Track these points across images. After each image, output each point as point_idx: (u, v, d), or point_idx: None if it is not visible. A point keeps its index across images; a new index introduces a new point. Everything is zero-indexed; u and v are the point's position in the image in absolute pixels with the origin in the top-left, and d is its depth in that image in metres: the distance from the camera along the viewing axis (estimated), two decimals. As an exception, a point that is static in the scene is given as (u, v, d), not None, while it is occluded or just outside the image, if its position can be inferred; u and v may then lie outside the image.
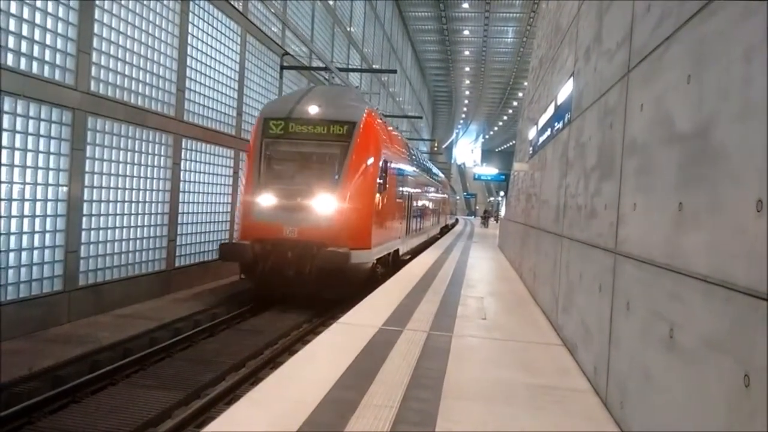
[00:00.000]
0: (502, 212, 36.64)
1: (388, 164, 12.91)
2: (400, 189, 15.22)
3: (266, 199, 11.38)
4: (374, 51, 36.53)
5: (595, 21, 5.36)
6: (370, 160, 11.78)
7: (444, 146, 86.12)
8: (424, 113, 65.66)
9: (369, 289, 9.06)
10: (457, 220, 50.93)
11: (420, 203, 20.59)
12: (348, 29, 29.30)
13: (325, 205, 11.09)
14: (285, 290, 11.61)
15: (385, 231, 13.13)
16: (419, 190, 20.31)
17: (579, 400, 4.24)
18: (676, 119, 2.94)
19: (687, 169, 2.75)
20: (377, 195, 11.92)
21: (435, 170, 31.00)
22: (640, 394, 3.25)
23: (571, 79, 6.51)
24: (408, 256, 16.58)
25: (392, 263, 14.65)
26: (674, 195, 2.86)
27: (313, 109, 11.95)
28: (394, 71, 32.47)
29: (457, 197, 66.19)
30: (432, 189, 25.62)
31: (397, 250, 15.15)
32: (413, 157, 19.38)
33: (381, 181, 12.21)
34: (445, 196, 34.89)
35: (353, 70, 28.46)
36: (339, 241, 10.74)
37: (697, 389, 2.47)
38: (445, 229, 34.41)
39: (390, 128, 15.37)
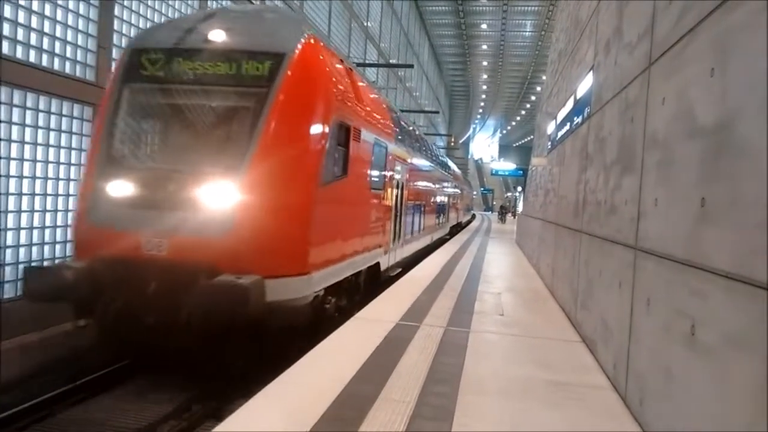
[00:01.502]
0: (520, 208, 36.37)
1: (353, 133, 7.84)
2: (382, 174, 9.97)
3: (114, 189, 6.45)
4: (391, 46, 36.43)
5: (615, 14, 5.29)
6: (312, 122, 6.69)
7: (461, 141, 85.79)
8: (441, 108, 65.40)
9: (310, 343, 5.44)
10: (474, 216, 50.74)
11: (420, 197, 15.33)
12: (365, 24, 29.26)
13: (220, 198, 6.13)
14: (149, 350, 6.60)
15: (346, 240, 7.95)
16: (419, 180, 14.97)
17: (598, 397, 4.21)
18: (699, 113, 2.90)
19: (710, 164, 2.70)
20: (325, 181, 6.82)
21: (444, 158, 25.68)
22: (660, 392, 3.21)
23: (591, 72, 6.43)
24: (398, 270, 11.97)
25: (366, 287, 9.60)
26: (697, 190, 2.82)
27: (215, 36, 6.86)
28: (411, 66, 32.33)
29: (474, 193, 65.84)
30: (438, 178, 19.99)
31: (377, 265, 10.07)
32: (406, 132, 13.43)
33: (335, 157, 7.21)
34: (457, 190, 29.54)
35: (370, 65, 28.41)
36: (244, 262, 5.93)
37: (719, 387, 2.44)
38: (457, 228, 30.03)
39: (359, 78, 9.56)
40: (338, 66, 7.98)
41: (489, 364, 4.87)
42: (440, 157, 23.14)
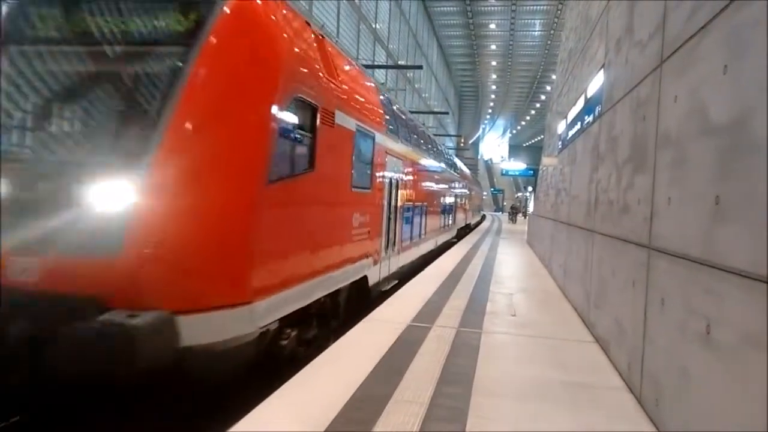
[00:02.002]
0: (530, 208, 36.22)
1: (322, 116, 5.95)
2: (368, 171, 8.18)
3: None
4: (400, 47, 36.48)
5: (626, 12, 5.27)
6: (253, 94, 4.91)
7: (471, 142, 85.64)
8: (450, 109, 65.35)
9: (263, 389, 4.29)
10: (484, 217, 50.59)
11: (421, 197, 13.21)
12: (373, 26, 29.32)
13: (112, 200, 4.36)
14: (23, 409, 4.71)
15: (315, 252, 6.06)
16: (419, 178, 12.91)
17: (612, 397, 4.18)
18: (712, 110, 2.87)
19: (724, 162, 2.68)
20: (277, 176, 5.02)
21: (450, 156, 23.33)
22: (676, 392, 3.18)
23: (602, 71, 6.40)
24: (393, 283, 10.16)
25: (349, 307, 7.73)
26: (711, 188, 2.79)
27: None
28: (420, 67, 32.35)
29: (484, 193, 65.65)
30: (443, 177, 17.81)
31: (363, 280, 8.12)
32: (402, 123, 11.46)
33: (294, 146, 5.41)
34: (465, 190, 26.92)
35: (379, 67, 28.48)
36: (149, 291, 4.23)
37: (736, 386, 2.42)
38: (466, 230, 27.84)
39: (335, 50, 7.28)
40: (299, 27, 5.92)
41: (502, 365, 4.86)
42: (446, 154, 20.98)
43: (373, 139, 8.33)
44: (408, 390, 4.08)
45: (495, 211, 76.68)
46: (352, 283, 7.59)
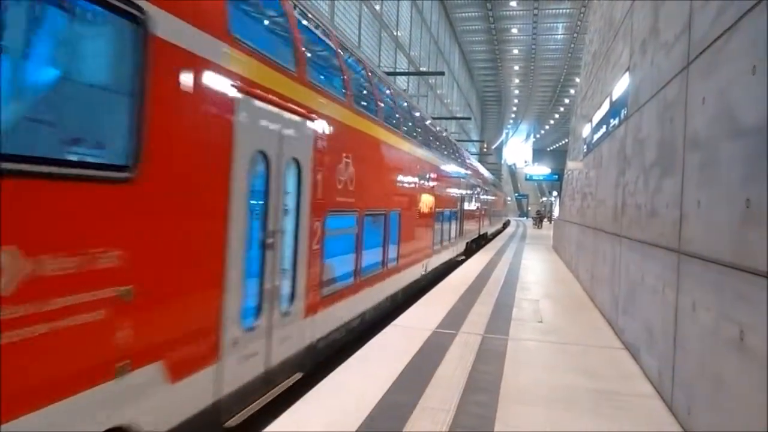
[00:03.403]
0: (556, 213, 35.82)
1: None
2: (103, 117, 2.93)
3: None
4: (421, 54, 36.52)
5: (650, 13, 5.20)
6: None
7: (494, 147, 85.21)
8: (473, 114, 65.13)
9: None
10: (507, 222, 50.04)
11: (381, 197, 8.07)
12: (395, 33, 29.42)
13: None
14: None
15: None
16: (375, 160, 7.69)
17: (643, 405, 4.10)
18: (741, 112, 2.82)
19: (754, 164, 2.63)
20: None
21: (446, 135, 17.21)
22: (709, 399, 3.12)
23: (627, 73, 6.33)
24: (293, 380, 4.73)
25: None
26: (741, 191, 2.74)
27: None
28: (442, 73, 32.40)
29: (509, 199, 65.06)
30: (434, 167, 11.77)
31: None
32: (326, 51, 6.33)
33: None
34: (478, 190, 21.08)
35: (400, 74, 28.55)
36: None
37: (772, 394, 2.36)
38: (481, 241, 22.11)
39: None
40: None
41: (529, 373, 4.81)
42: (444, 136, 15.26)
43: (142, 21, 2.94)
44: (434, 397, 4.07)
45: (519, 216, 76.00)
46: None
